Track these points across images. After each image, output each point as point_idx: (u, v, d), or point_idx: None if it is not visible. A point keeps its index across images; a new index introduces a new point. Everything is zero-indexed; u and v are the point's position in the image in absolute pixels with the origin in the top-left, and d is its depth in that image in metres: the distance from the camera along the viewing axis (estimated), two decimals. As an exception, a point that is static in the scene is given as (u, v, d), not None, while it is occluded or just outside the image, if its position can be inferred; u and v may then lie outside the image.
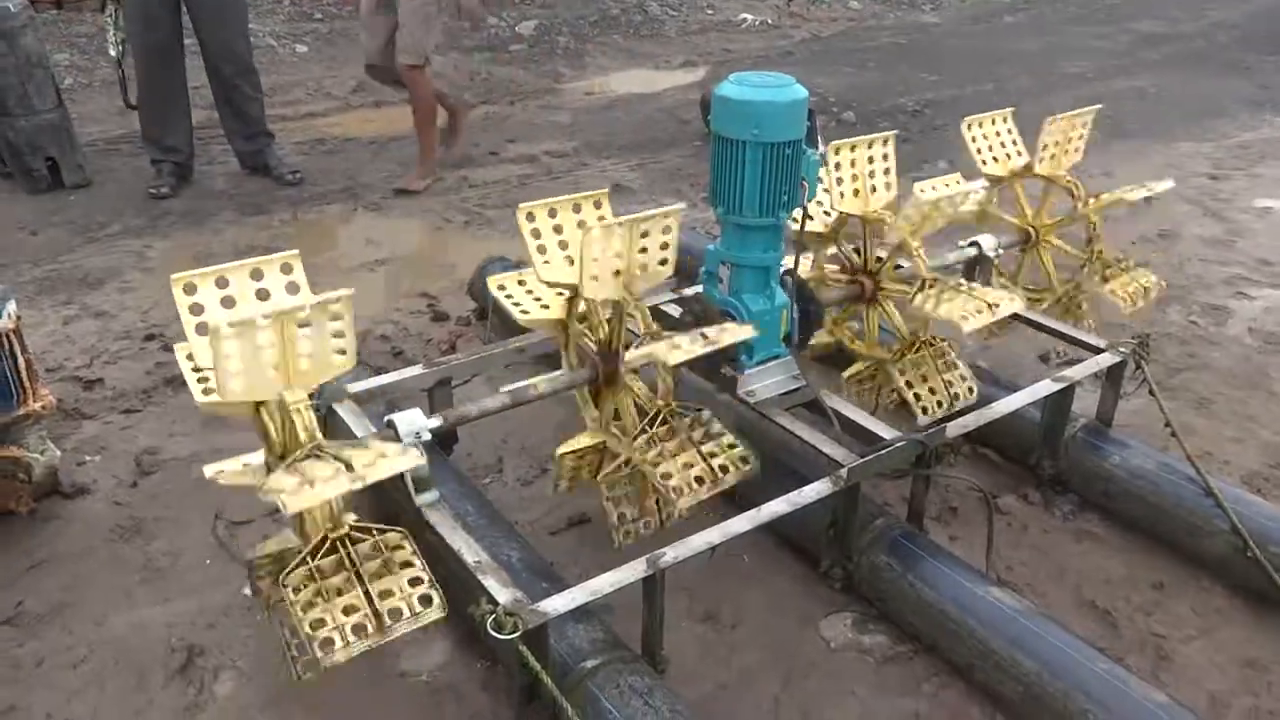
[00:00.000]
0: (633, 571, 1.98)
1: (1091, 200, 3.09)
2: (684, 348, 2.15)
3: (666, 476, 2.13)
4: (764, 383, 2.58)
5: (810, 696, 2.22)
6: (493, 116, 6.83)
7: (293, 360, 1.88)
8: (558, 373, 2.42)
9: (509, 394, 2.34)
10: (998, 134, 3.16)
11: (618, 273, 2.24)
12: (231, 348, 1.80)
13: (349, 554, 1.84)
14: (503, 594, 1.89)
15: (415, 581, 1.84)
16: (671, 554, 2.01)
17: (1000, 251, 3.14)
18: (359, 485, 1.71)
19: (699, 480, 2.15)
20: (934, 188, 3.03)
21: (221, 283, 2.04)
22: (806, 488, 2.22)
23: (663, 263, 2.30)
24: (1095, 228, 3.11)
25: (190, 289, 1.99)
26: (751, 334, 2.27)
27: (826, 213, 2.81)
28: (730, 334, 2.21)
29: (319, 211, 5.15)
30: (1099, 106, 3.22)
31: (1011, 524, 2.77)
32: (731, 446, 2.24)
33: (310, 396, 2.49)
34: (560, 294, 2.43)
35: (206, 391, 2.06)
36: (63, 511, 2.82)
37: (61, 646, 2.35)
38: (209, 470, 2.17)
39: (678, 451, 2.19)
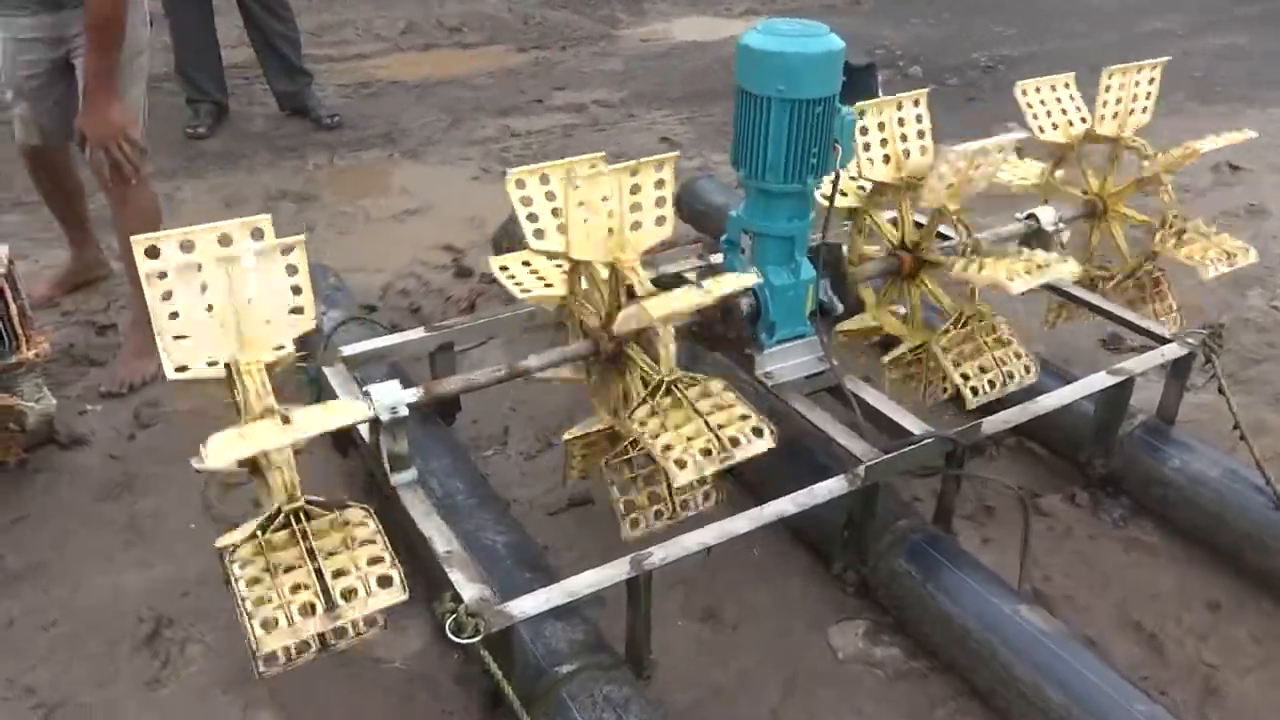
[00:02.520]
0: (615, 572, 1.80)
1: (1160, 156, 2.77)
2: (673, 303, 1.93)
3: (668, 449, 1.89)
4: (785, 364, 2.36)
5: (812, 710, 2.03)
6: (542, 63, 6.60)
7: (245, 320, 1.72)
8: (558, 348, 2.23)
9: (501, 368, 2.16)
10: (1058, 99, 2.86)
11: (611, 231, 2.03)
12: (167, 304, 1.66)
13: (303, 529, 1.69)
14: (468, 590, 1.73)
15: (375, 561, 1.68)
16: (659, 554, 1.83)
17: (1061, 224, 2.86)
18: (289, 440, 1.55)
19: (705, 452, 1.87)
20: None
21: (186, 246, 1.86)
22: (818, 486, 2.01)
23: (659, 221, 2.08)
24: (1167, 188, 2.80)
25: (153, 253, 1.81)
26: (752, 282, 2.02)
27: (860, 187, 2.56)
28: (728, 284, 1.98)
29: (355, 157, 5.00)
30: (1167, 59, 2.90)
31: (1054, 527, 2.53)
32: (744, 417, 1.95)
33: (303, 360, 2.41)
34: (561, 268, 2.24)
35: (180, 368, 1.90)
36: (56, 463, 2.73)
37: (35, 608, 2.26)
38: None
39: (682, 423, 1.94)
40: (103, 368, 3.16)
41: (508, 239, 3.36)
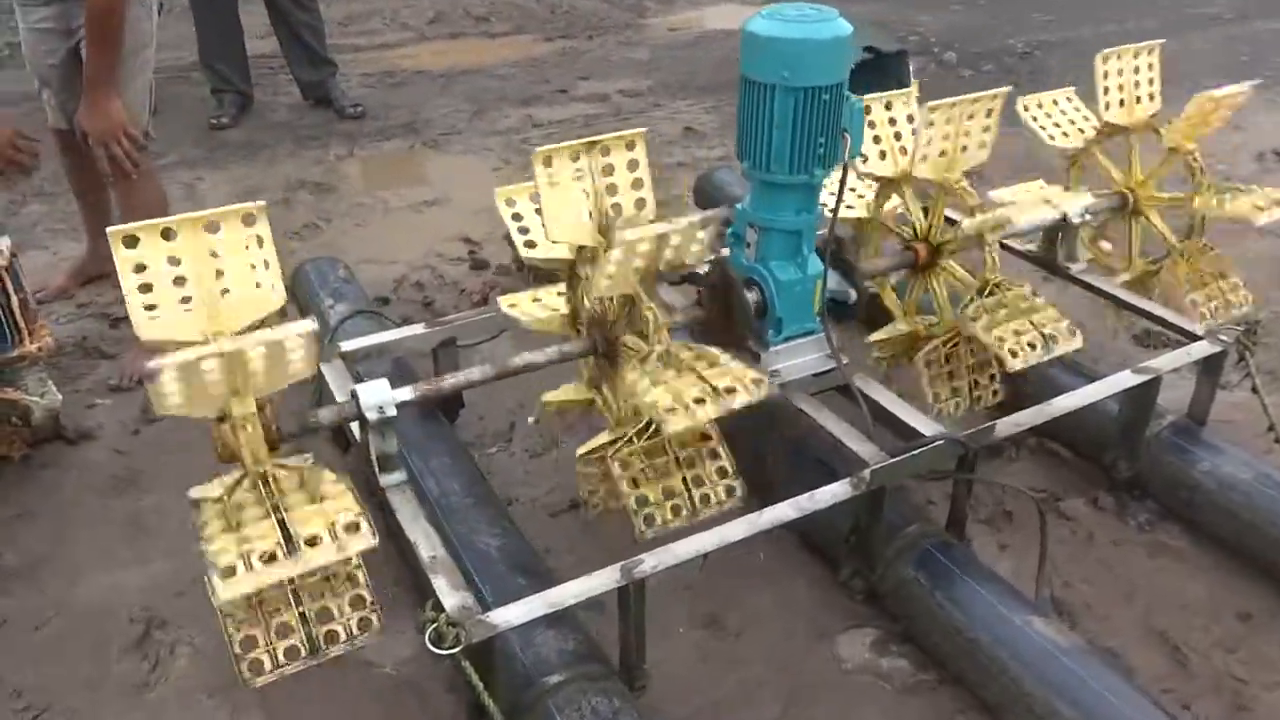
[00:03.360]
0: (604, 580, 1.73)
1: (1176, 122, 2.64)
2: (641, 234, 1.82)
3: (657, 401, 1.79)
4: (791, 361, 2.27)
5: (815, 723, 1.95)
6: (568, 52, 6.53)
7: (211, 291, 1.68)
8: (556, 345, 2.16)
9: (498, 365, 2.10)
10: (1062, 111, 2.77)
11: (590, 215, 1.95)
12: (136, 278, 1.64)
13: (269, 490, 1.64)
14: (450, 598, 1.67)
15: (342, 510, 1.61)
16: (650, 562, 1.76)
17: (1087, 216, 2.73)
18: (229, 348, 1.51)
19: (698, 401, 1.78)
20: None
21: (168, 234, 1.81)
22: (821, 490, 1.93)
23: (639, 203, 2.00)
24: (1194, 156, 2.66)
25: (131, 242, 1.76)
26: (724, 214, 1.92)
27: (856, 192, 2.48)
28: (703, 213, 1.88)
29: (376, 147, 4.97)
30: (1162, 41, 2.77)
31: (1076, 532, 2.42)
32: (744, 373, 1.87)
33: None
34: (563, 295, 2.18)
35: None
36: (62, 458, 2.72)
37: (30, 607, 2.24)
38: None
39: (675, 380, 1.86)
40: (113, 361, 3.15)
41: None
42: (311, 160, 4.77)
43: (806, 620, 2.16)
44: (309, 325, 1.60)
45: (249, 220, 1.75)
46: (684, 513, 1.94)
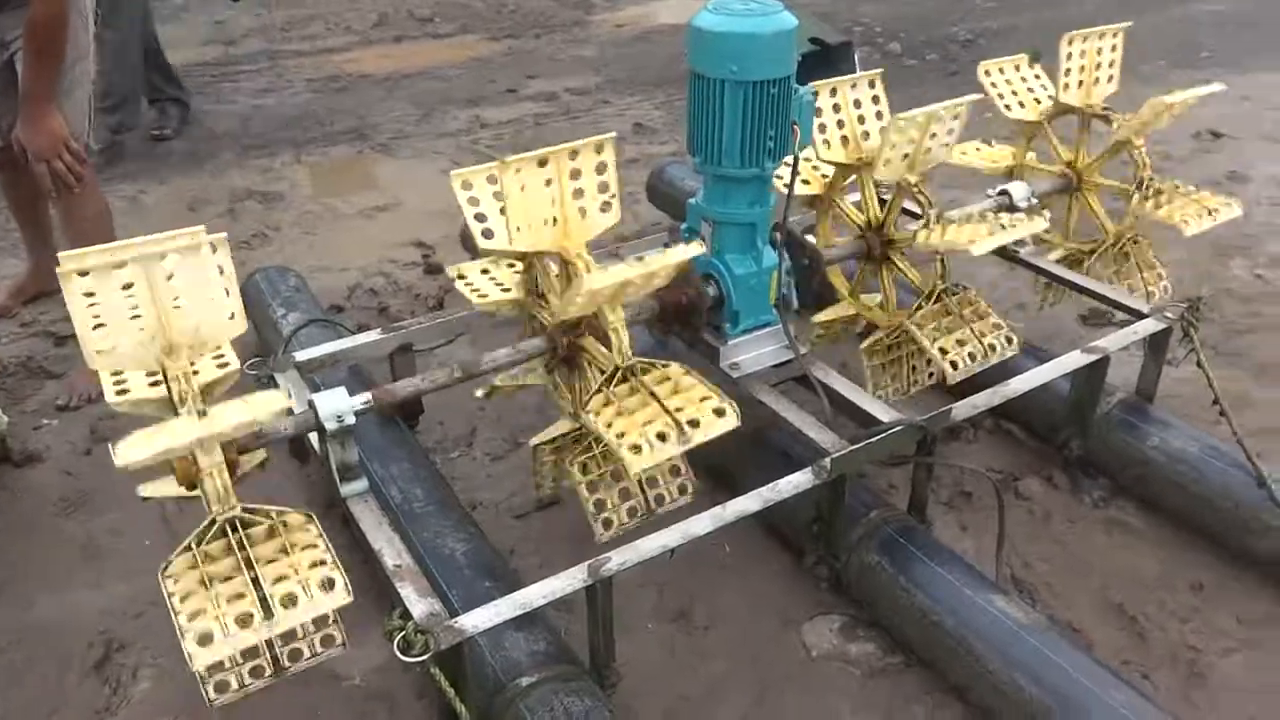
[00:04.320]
0: (571, 580, 1.73)
1: (1129, 117, 2.69)
2: (613, 277, 1.81)
3: (622, 436, 1.80)
4: (750, 354, 2.29)
5: (785, 713, 1.97)
6: (515, 51, 6.50)
7: (168, 319, 1.65)
8: (513, 348, 2.15)
9: (455, 370, 2.09)
10: (1022, 79, 2.80)
11: (555, 221, 1.95)
12: (93, 311, 1.59)
13: (239, 538, 1.62)
14: (418, 605, 1.67)
15: (317, 564, 1.61)
16: (617, 559, 1.76)
17: (1034, 200, 2.78)
18: (202, 433, 1.49)
19: (661, 436, 1.78)
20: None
21: (120, 263, 1.76)
22: (783, 481, 1.94)
23: (605, 207, 2.00)
24: (1140, 150, 2.71)
25: (84, 272, 1.71)
26: (697, 252, 1.93)
27: (824, 175, 2.49)
28: (670, 256, 1.88)
29: (323, 153, 4.91)
30: (1128, 24, 2.82)
31: (1034, 511, 2.47)
32: (704, 399, 1.87)
33: (254, 368, 2.33)
34: (516, 269, 2.17)
35: (122, 390, 1.82)
36: (10, 481, 2.66)
37: (-15, 632, 2.19)
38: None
39: (638, 408, 1.86)
40: (60, 380, 3.09)
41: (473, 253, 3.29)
42: (257, 169, 4.71)
43: (774, 610, 2.18)
44: (284, 402, 1.60)
45: (209, 248, 1.71)
46: (640, 514, 1.97)
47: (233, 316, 1.70)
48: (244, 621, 1.50)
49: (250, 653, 1.57)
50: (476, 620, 1.65)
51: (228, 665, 1.57)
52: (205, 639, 1.48)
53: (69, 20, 2.70)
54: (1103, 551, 2.34)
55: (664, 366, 1.92)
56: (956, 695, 1.95)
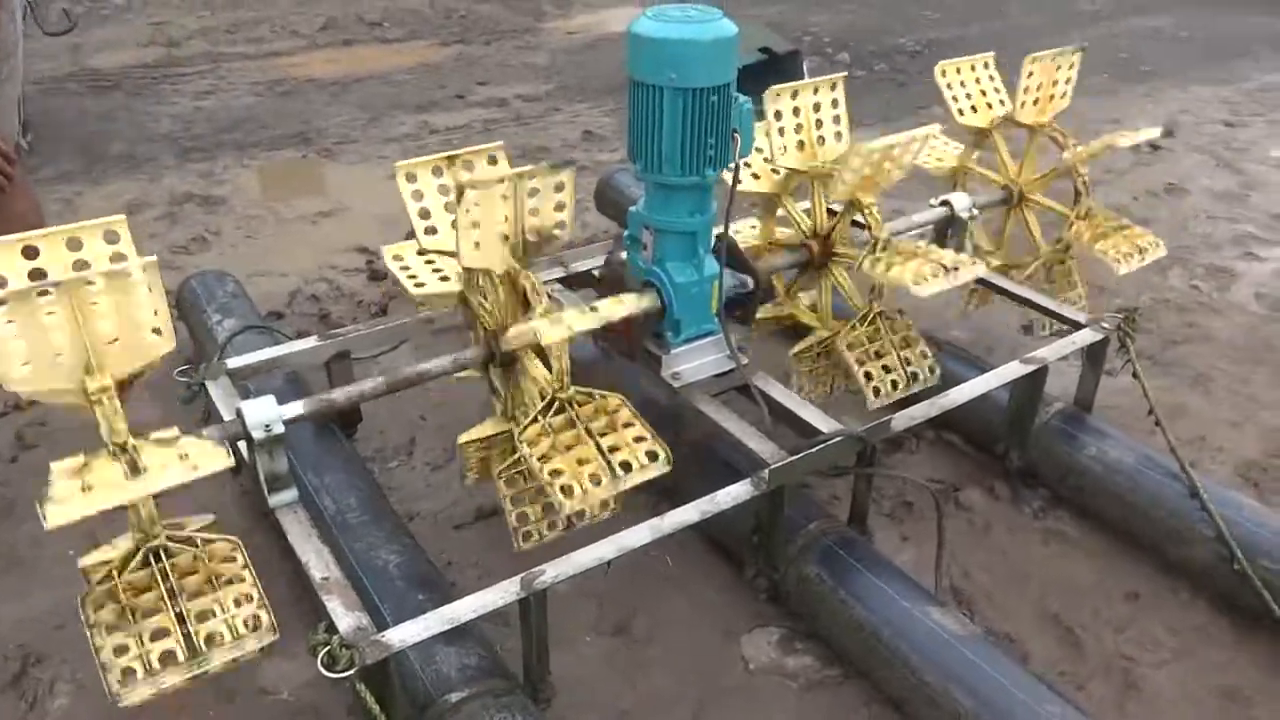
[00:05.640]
0: (504, 593, 1.70)
1: (1079, 147, 2.72)
2: (567, 323, 1.85)
3: (556, 474, 1.81)
4: (692, 364, 2.27)
5: (723, 727, 1.95)
6: (465, 57, 6.46)
7: (93, 341, 1.59)
8: (451, 355, 2.12)
9: (388, 377, 2.05)
10: (977, 80, 2.81)
11: (506, 238, 1.93)
12: (10, 328, 1.52)
13: (163, 568, 1.58)
14: (344, 619, 1.62)
15: (243, 600, 1.58)
16: (551, 572, 1.73)
17: (975, 212, 2.80)
18: (135, 496, 1.44)
19: (594, 479, 1.80)
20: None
21: (30, 253, 1.72)
22: (721, 492, 1.93)
23: (559, 226, 1.98)
24: (1084, 180, 2.75)
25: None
26: (652, 305, 1.93)
27: (774, 170, 2.48)
28: (625, 306, 1.89)
29: (266, 157, 4.83)
30: (1085, 45, 2.86)
31: (974, 521, 2.47)
32: (639, 439, 1.88)
33: (184, 375, 2.27)
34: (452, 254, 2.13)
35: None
36: (-70, 491, 2.57)
37: (-103, 648, 2.11)
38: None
39: (573, 444, 1.87)
40: (-14, 387, 2.98)
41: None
42: (198, 173, 4.61)
43: (713, 623, 2.16)
44: (224, 461, 1.58)
45: (140, 269, 1.65)
46: (558, 529, 1.98)
47: (159, 332, 1.64)
48: (167, 660, 1.50)
49: (159, 634, 1.53)
50: (404, 635, 1.61)
51: (134, 650, 1.52)
52: (127, 676, 1.46)
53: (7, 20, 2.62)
54: (1041, 561, 2.35)
55: (602, 398, 1.92)
56: (894, 708, 1.94)
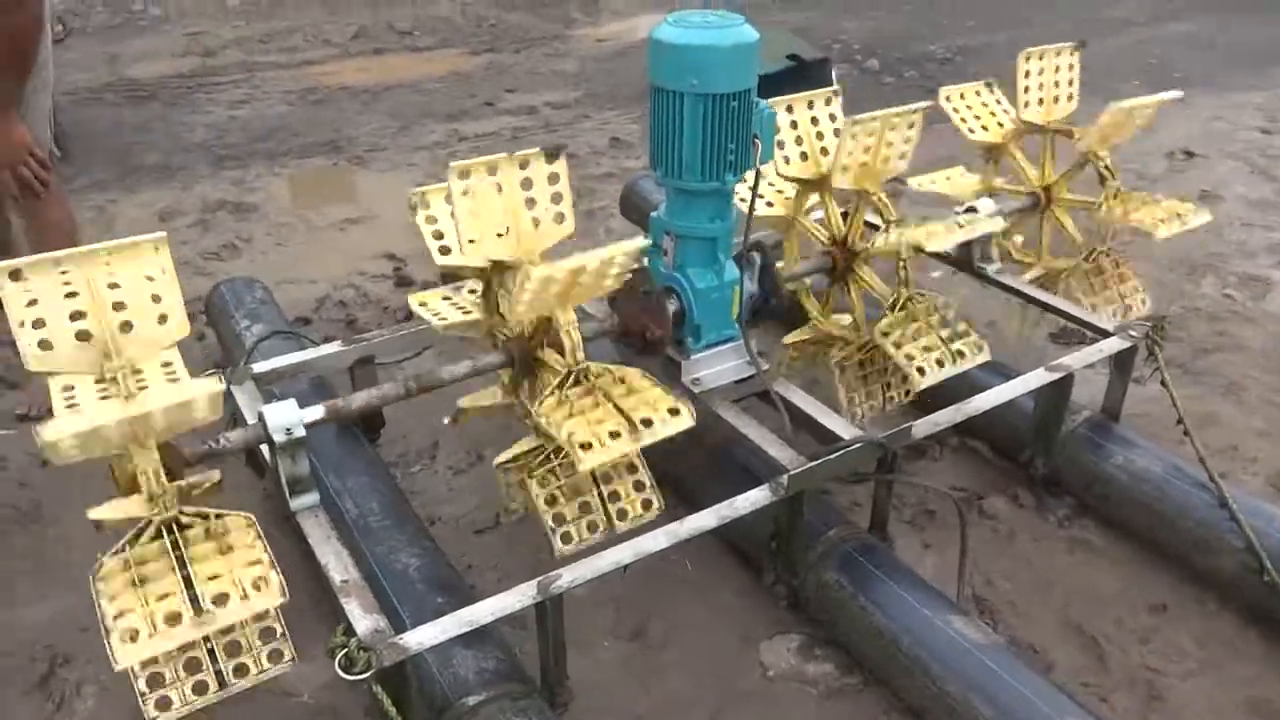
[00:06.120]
0: (521, 597, 1.71)
1: (1090, 129, 2.67)
2: (557, 268, 1.77)
3: (572, 435, 1.78)
4: (712, 369, 2.27)
5: (740, 734, 1.94)
6: (495, 65, 6.50)
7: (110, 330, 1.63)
8: (470, 360, 2.13)
9: (410, 382, 2.06)
10: (984, 104, 2.81)
11: (504, 233, 1.93)
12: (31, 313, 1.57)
13: (174, 539, 1.59)
14: (362, 622, 1.64)
15: (252, 564, 1.58)
16: (568, 576, 1.74)
17: (1001, 214, 2.77)
18: (128, 413, 1.48)
19: (614, 435, 1.77)
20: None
21: (63, 269, 1.74)
22: (740, 498, 1.92)
23: (559, 218, 1.98)
24: (1105, 163, 2.71)
25: (16, 275, 1.68)
26: (644, 243, 1.90)
27: (778, 190, 2.48)
28: (624, 244, 1.85)
29: (298, 165, 4.89)
30: (1083, 41, 2.85)
31: (998, 529, 2.45)
32: (659, 400, 1.85)
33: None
34: (476, 294, 2.14)
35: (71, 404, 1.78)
36: (-34, 492, 2.62)
37: (-71, 647, 2.15)
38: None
39: (590, 409, 1.85)
40: (21, 390, 3.04)
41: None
42: (230, 180, 4.68)
43: (732, 628, 2.15)
44: (216, 386, 1.57)
45: (151, 251, 1.69)
46: (600, 529, 1.93)
47: (173, 320, 1.67)
48: (173, 620, 1.48)
49: (192, 666, 1.54)
50: (422, 637, 1.62)
51: (169, 679, 1.53)
52: (131, 636, 1.45)
53: (42, 30, 2.66)
54: (1066, 570, 2.32)
55: (620, 370, 1.90)
56: (914, 716, 1.92)
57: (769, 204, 2.46)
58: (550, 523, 1.96)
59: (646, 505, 1.99)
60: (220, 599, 1.51)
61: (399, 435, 2.78)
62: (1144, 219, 2.60)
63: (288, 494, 1.90)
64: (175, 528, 1.60)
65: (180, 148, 5.05)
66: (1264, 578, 2.07)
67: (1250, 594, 2.13)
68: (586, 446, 1.73)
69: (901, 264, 2.31)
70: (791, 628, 2.14)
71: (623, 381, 1.89)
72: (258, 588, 1.52)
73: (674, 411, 1.80)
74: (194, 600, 1.49)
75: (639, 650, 2.11)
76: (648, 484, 1.98)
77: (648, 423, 1.78)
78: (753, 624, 2.16)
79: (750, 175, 2.15)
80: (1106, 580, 2.29)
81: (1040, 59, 2.72)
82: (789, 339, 2.47)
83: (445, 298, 2.27)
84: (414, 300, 2.28)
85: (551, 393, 1.87)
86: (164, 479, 1.60)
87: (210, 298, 3.13)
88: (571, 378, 1.89)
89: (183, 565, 1.54)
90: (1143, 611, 2.20)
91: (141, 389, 1.63)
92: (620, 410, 1.81)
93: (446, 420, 2.19)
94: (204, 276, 3.67)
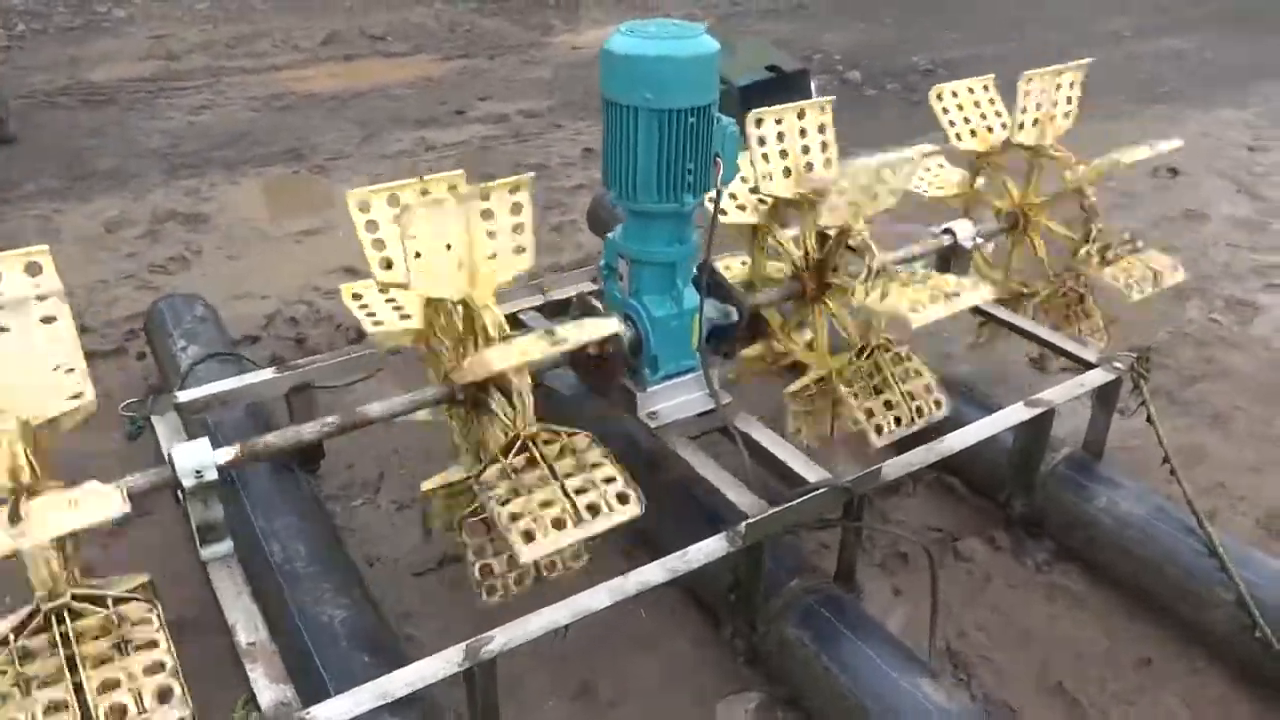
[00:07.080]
0: (446, 663, 1.54)
1: (1082, 168, 2.55)
2: (520, 349, 1.68)
3: (515, 518, 1.63)
4: (670, 402, 2.12)
5: (691, 807, 1.79)
6: (467, 72, 6.35)
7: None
8: (409, 394, 1.97)
9: (336, 418, 1.90)
10: (976, 103, 2.65)
11: (461, 264, 1.77)
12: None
13: (64, 632, 1.43)
14: (266, 693, 1.48)
15: (153, 669, 1.43)
16: (500, 639, 1.58)
17: (979, 239, 2.65)
18: (13, 548, 1.30)
19: (557, 524, 1.63)
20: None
21: None
22: (694, 548, 1.77)
23: (518, 250, 1.83)
24: (1090, 202, 2.59)
25: None
26: (614, 329, 1.78)
27: (761, 200, 2.33)
28: (587, 330, 1.73)
29: (257, 174, 4.71)
30: (1087, 62, 2.71)
31: (973, 573, 2.31)
32: (609, 480, 1.71)
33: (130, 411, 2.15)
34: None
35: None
36: None
37: None
38: None
39: (536, 485, 1.70)
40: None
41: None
42: (184, 190, 4.50)
43: (686, 685, 2.00)
44: (120, 507, 1.45)
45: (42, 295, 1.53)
46: (526, 582, 1.85)
47: (71, 374, 1.51)
48: None
49: (56, 708, 1.38)
50: (331, 712, 1.46)
51: None
52: None
53: None
54: (1045, 622, 2.18)
55: (569, 435, 1.75)
56: (880, 788, 1.77)
57: (741, 208, 2.31)
58: (478, 575, 1.85)
59: (576, 556, 1.91)
60: (115, 712, 1.36)
61: (343, 465, 2.62)
62: (1118, 276, 2.50)
63: (198, 542, 1.73)
64: (66, 616, 1.44)
65: (135, 154, 4.87)
66: (1256, 634, 1.93)
67: (1241, 651, 1.99)
68: (528, 537, 1.59)
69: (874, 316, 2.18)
70: (749, 686, 1.98)
71: (571, 452, 1.74)
72: (160, 699, 1.37)
73: (623, 498, 1.66)
74: (85, 711, 1.35)
75: (584, 710, 1.96)
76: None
77: (594, 510, 1.64)
78: (709, 680, 2.00)
79: (710, 197, 2.01)
80: (1088, 632, 2.15)
81: (1042, 80, 2.57)
82: (746, 352, 2.33)
83: (383, 291, 2.10)
84: (347, 291, 2.13)
85: (494, 459, 1.72)
86: (55, 565, 1.44)
87: (149, 315, 2.96)
88: (518, 444, 1.73)
89: (73, 670, 1.38)
90: (1127, 668, 2.06)
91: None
92: (565, 492, 1.66)
93: (426, 533, 2.04)
94: (149, 291, 3.50)
